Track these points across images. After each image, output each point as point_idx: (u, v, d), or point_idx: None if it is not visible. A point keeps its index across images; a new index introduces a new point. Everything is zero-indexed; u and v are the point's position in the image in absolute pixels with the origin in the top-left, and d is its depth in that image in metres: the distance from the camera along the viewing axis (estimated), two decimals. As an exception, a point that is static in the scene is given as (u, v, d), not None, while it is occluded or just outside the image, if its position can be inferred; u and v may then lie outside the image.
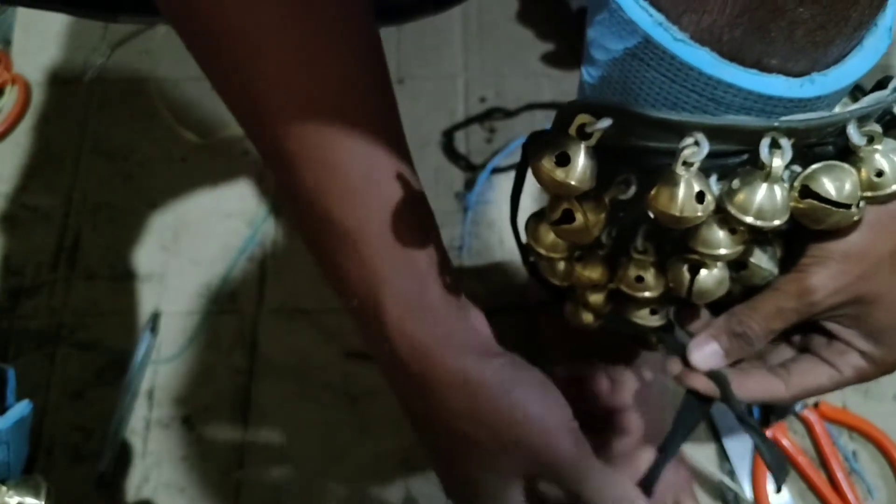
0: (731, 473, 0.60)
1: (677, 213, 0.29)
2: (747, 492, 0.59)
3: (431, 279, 0.38)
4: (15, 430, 0.42)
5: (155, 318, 0.66)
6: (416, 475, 0.61)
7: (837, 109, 0.30)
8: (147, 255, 0.69)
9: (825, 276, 0.36)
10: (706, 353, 0.39)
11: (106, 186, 0.72)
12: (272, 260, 0.69)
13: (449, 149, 0.73)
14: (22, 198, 0.72)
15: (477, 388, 0.38)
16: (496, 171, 0.72)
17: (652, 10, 0.26)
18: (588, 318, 0.43)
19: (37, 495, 0.42)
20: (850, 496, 0.58)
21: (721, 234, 0.31)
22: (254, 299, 0.67)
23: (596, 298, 0.41)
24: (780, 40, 0.25)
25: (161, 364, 0.65)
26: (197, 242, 0.70)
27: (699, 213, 0.29)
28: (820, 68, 0.27)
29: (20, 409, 0.42)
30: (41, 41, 0.80)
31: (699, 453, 0.60)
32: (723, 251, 0.32)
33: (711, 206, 0.29)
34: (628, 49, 0.27)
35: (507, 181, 0.71)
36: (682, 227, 0.30)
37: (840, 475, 0.59)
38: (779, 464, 0.42)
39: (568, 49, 0.77)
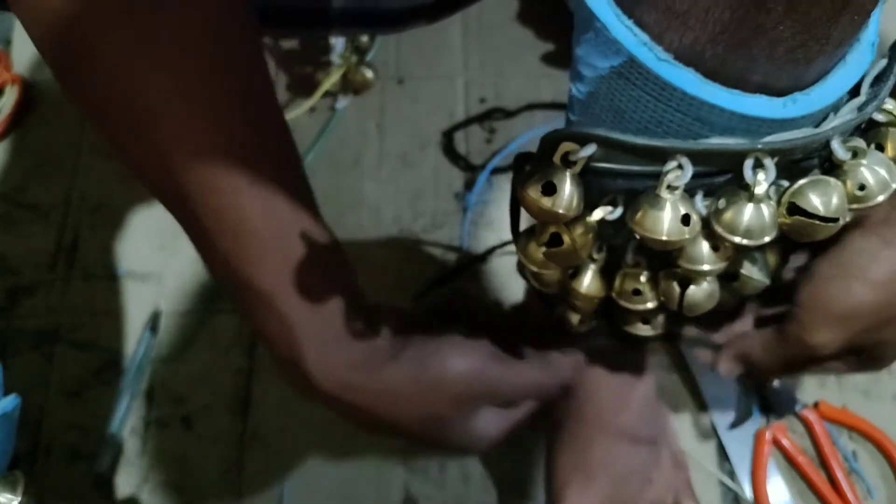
0: (731, 473, 0.60)
1: (663, 237, 0.29)
2: (747, 492, 0.59)
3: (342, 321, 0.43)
4: (-1, 425, 0.41)
5: (155, 317, 0.66)
6: (415, 475, 0.60)
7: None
8: (146, 255, 0.69)
9: (829, 336, 0.39)
10: (728, 369, 0.47)
11: (105, 186, 0.72)
12: (271, 260, 0.69)
13: (449, 149, 0.73)
14: (20, 197, 0.72)
15: (401, 390, 0.43)
16: (496, 171, 0.72)
17: (636, 30, 0.26)
18: (583, 326, 0.43)
19: (13, 491, 0.42)
20: (850, 496, 0.58)
21: (706, 251, 0.31)
22: (253, 299, 0.67)
23: (590, 307, 0.41)
24: (762, 58, 0.25)
25: (160, 363, 0.65)
26: (196, 242, 0.70)
27: (686, 236, 0.29)
28: (803, 85, 0.27)
29: (5, 404, 0.42)
30: (40, 41, 0.80)
31: (699, 453, 0.60)
32: (708, 267, 0.32)
33: (697, 228, 0.30)
34: (614, 68, 0.27)
35: (506, 181, 0.70)
36: (669, 249, 0.30)
37: (840, 475, 0.59)
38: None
39: (568, 49, 0.76)
